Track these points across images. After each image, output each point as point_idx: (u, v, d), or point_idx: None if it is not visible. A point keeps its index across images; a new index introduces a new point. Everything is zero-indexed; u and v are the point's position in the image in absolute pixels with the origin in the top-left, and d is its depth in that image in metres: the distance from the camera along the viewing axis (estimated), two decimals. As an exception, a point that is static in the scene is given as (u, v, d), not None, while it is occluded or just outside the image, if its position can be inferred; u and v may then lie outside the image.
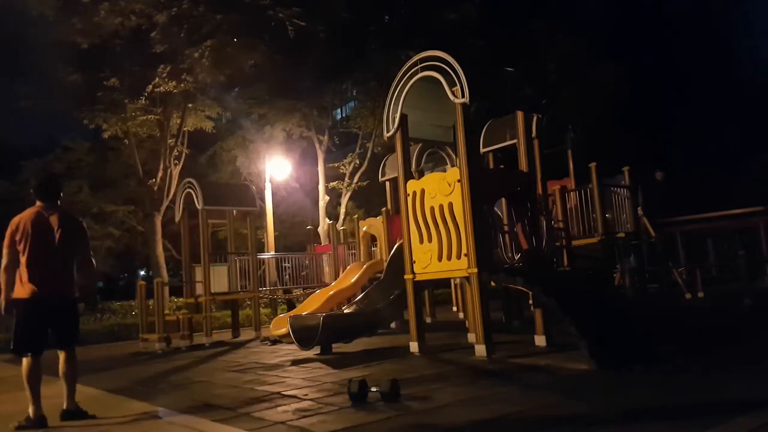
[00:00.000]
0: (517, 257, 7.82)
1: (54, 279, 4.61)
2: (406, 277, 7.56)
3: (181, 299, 13.77)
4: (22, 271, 4.53)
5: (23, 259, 4.52)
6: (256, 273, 12.51)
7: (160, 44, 16.20)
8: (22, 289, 4.52)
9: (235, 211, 13.03)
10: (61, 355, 4.80)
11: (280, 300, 13.37)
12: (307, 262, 14.65)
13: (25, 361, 4.65)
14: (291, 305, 13.17)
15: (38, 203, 4.73)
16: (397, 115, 7.71)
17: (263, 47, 16.90)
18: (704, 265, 15.04)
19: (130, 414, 4.90)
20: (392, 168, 11.43)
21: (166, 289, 12.56)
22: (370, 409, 4.38)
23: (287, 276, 13.70)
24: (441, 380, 5.39)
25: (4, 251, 4.57)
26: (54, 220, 4.66)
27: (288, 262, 14.02)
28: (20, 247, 4.53)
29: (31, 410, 4.61)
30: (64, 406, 4.76)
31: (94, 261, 5.15)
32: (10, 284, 4.54)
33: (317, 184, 20.39)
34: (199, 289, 11.77)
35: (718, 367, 5.31)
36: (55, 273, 4.62)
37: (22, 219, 4.61)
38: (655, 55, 26.47)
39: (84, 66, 17.47)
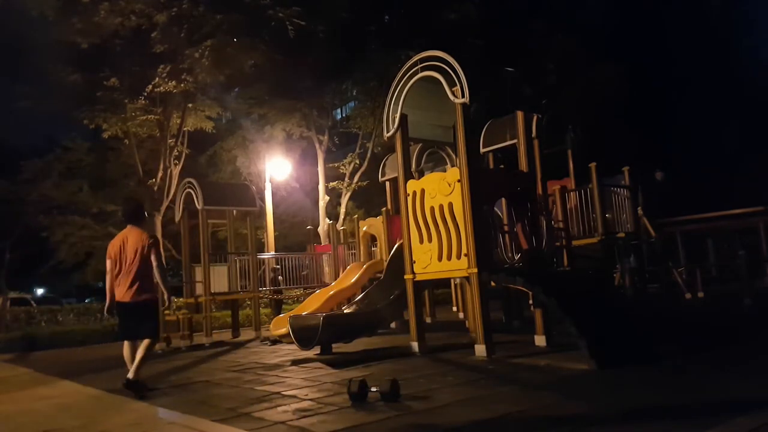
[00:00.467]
0: (517, 257, 7.82)
1: (129, 287, 5.76)
2: (406, 277, 7.56)
3: (181, 299, 13.76)
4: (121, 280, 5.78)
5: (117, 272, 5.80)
6: (256, 273, 12.51)
7: (160, 44, 16.19)
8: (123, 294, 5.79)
9: (235, 211, 13.04)
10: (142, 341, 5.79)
11: (267, 298, 13.26)
12: (307, 261, 14.62)
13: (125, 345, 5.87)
14: (279, 306, 13.14)
15: (128, 226, 5.97)
16: (397, 115, 7.71)
17: (263, 47, 16.88)
18: (704, 265, 15.05)
19: (130, 414, 4.90)
20: (392, 168, 11.43)
21: (166, 289, 12.54)
22: (370, 409, 4.39)
23: (279, 276, 13.61)
24: (441, 380, 5.39)
25: (107, 264, 5.84)
26: (132, 237, 5.84)
27: (278, 264, 13.96)
28: (116, 263, 5.80)
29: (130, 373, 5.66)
30: (129, 376, 5.61)
31: (158, 270, 5.99)
32: (112, 291, 5.80)
33: (317, 184, 20.39)
34: (199, 289, 11.77)
35: (718, 367, 5.31)
36: (131, 282, 5.77)
37: (116, 239, 5.91)
38: (655, 55, 26.46)
39: (84, 66, 17.45)
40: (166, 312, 11.02)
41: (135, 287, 5.74)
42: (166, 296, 6.17)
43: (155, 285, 5.93)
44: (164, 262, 6.20)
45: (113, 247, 5.86)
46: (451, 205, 6.92)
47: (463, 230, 6.77)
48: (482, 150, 9.42)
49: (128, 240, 5.82)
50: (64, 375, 7.68)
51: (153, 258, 5.81)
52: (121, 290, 5.77)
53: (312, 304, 10.27)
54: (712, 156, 24.02)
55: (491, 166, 9.37)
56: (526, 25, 21.48)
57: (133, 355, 5.71)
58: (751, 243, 15.09)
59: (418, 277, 7.43)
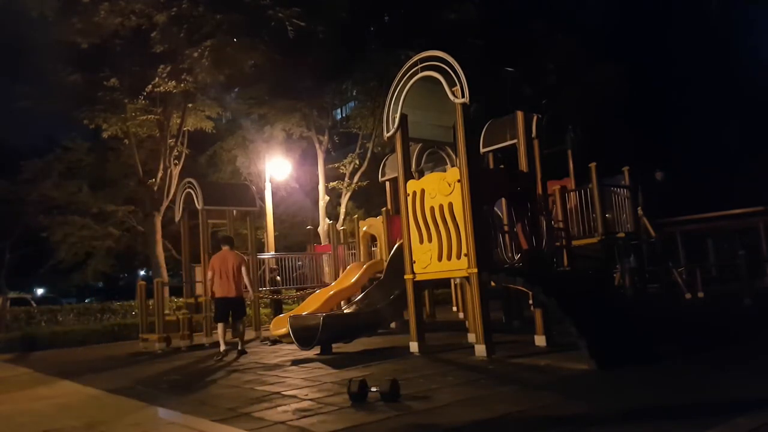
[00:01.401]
0: (517, 257, 7.82)
1: (234, 288, 8.86)
2: (406, 277, 7.56)
3: (181, 299, 13.75)
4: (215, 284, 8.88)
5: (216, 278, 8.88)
6: (256, 273, 12.49)
7: (160, 44, 16.19)
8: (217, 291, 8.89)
9: (235, 211, 13.02)
10: (235, 323, 9.08)
11: (267, 298, 13.25)
12: (300, 263, 14.58)
13: (219, 325, 9.00)
14: (278, 306, 13.14)
15: (224, 247, 9.12)
16: (397, 115, 7.71)
17: (263, 47, 16.88)
18: (704, 265, 15.05)
19: (130, 414, 4.90)
20: (392, 168, 11.43)
21: (166, 289, 12.54)
22: (370, 409, 4.38)
23: (277, 277, 13.59)
24: (441, 380, 5.39)
25: (209, 273, 9.02)
26: (230, 256, 8.99)
27: (273, 265, 13.96)
28: (213, 272, 8.91)
29: (222, 347, 8.69)
30: (239, 347, 8.82)
31: (247, 278, 9.11)
32: (213, 290, 8.94)
33: (317, 184, 20.38)
34: (199, 289, 11.75)
35: (718, 367, 5.31)
36: (230, 285, 8.83)
37: (217, 257, 9.09)
38: (655, 55, 26.44)
39: (84, 66, 17.45)
40: (166, 313, 11.11)
41: (237, 288, 8.82)
42: (251, 293, 9.65)
43: (244, 286, 9.01)
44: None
45: (216, 261, 8.92)
46: (451, 205, 6.92)
47: (463, 230, 6.76)
48: (482, 150, 9.41)
49: (228, 258, 8.87)
50: (64, 375, 7.68)
51: (244, 270, 8.95)
52: (225, 290, 8.75)
53: (312, 304, 10.27)
54: (712, 156, 24.00)
55: (491, 166, 9.37)
56: (526, 25, 21.47)
57: (225, 333, 8.84)
58: (751, 243, 15.10)
59: (418, 277, 7.43)
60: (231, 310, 8.92)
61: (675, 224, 15.40)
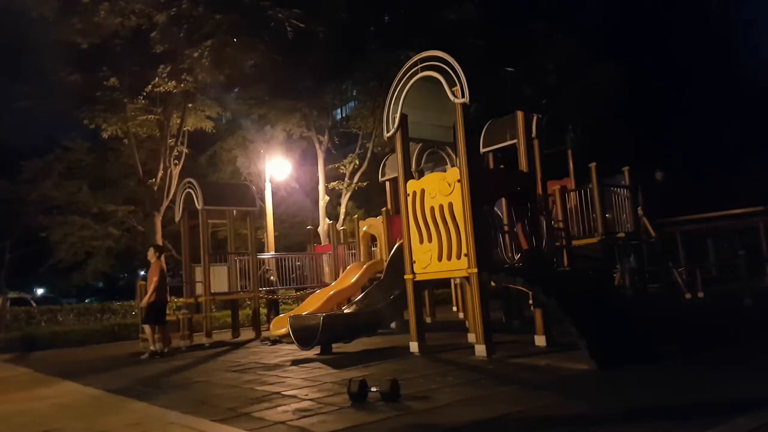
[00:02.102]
0: (517, 257, 7.81)
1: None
2: (406, 277, 7.56)
3: (181, 299, 13.74)
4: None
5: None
6: (256, 273, 12.51)
7: (160, 44, 16.19)
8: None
9: (235, 211, 13.02)
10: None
11: (263, 299, 13.25)
12: (299, 263, 14.56)
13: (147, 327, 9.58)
14: (275, 307, 13.12)
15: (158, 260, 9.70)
16: (397, 115, 7.71)
17: (263, 47, 16.88)
18: (704, 265, 15.05)
19: (130, 414, 4.90)
20: (392, 168, 11.43)
21: (166, 289, 12.54)
22: (370, 409, 4.38)
23: (272, 277, 13.57)
24: (441, 380, 5.39)
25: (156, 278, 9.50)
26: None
27: (268, 266, 13.94)
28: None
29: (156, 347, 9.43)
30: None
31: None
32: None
33: (317, 184, 20.38)
34: (199, 289, 11.77)
35: (718, 367, 5.31)
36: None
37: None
38: (655, 55, 26.42)
39: (84, 66, 17.46)
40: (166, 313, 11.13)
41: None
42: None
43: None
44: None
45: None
46: (451, 205, 6.92)
47: (463, 230, 6.76)
48: (482, 150, 9.41)
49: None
50: (64, 375, 7.68)
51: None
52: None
53: (312, 304, 10.27)
54: (712, 156, 23.99)
55: (491, 166, 9.36)
56: (526, 25, 21.48)
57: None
58: (751, 243, 15.09)
59: (418, 277, 7.43)
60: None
61: (675, 224, 15.39)
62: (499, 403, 4.33)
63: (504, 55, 16.44)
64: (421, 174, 10.01)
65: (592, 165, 9.80)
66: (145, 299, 9.67)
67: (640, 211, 12.00)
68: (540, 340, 7.20)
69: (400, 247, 8.35)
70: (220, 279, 12.21)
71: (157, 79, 16.69)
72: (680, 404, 4.06)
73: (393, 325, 10.55)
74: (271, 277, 13.42)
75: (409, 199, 7.46)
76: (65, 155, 23.75)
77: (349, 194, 20.66)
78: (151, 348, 9.49)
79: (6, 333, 13.39)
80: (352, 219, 15.28)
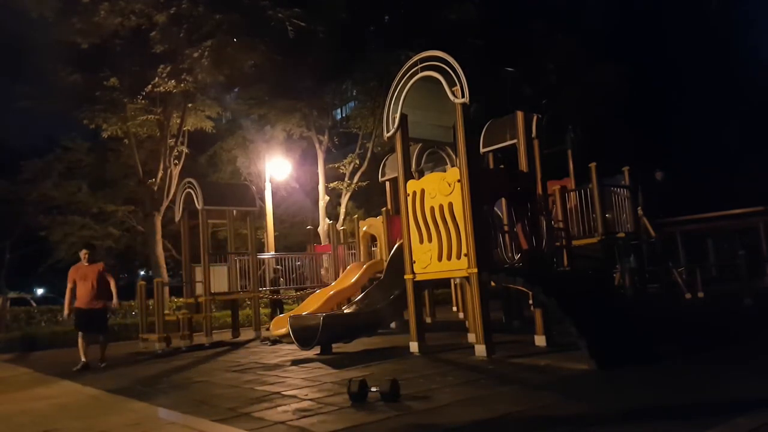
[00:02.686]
0: (517, 257, 7.81)
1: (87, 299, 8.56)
2: (406, 277, 7.56)
3: (181, 299, 13.74)
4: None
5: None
6: (256, 273, 12.51)
7: (160, 44, 16.19)
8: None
9: (235, 211, 13.02)
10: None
11: (267, 298, 13.27)
12: (299, 262, 14.58)
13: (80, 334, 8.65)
14: (280, 306, 13.13)
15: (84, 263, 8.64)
16: (397, 115, 7.71)
17: (263, 47, 16.89)
18: (704, 265, 15.05)
19: (130, 414, 4.90)
20: (392, 168, 11.43)
21: (166, 289, 12.55)
22: (370, 409, 4.38)
23: (281, 278, 13.60)
24: (441, 380, 5.39)
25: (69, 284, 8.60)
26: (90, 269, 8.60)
27: (278, 264, 13.97)
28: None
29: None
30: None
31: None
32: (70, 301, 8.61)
33: (317, 184, 20.39)
34: (199, 289, 11.77)
35: (718, 367, 5.31)
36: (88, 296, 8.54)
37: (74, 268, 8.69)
38: (655, 55, 26.43)
39: (84, 66, 17.46)
40: (166, 313, 11.12)
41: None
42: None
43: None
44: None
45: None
46: (451, 205, 6.92)
47: (463, 230, 6.76)
48: (482, 150, 9.41)
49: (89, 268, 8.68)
50: (64, 375, 7.69)
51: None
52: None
53: (312, 304, 10.27)
54: (712, 156, 24.00)
55: (491, 166, 9.36)
56: (526, 25, 21.48)
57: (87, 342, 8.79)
58: (751, 243, 15.10)
59: (418, 277, 7.43)
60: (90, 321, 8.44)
61: (675, 224, 15.40)
62: (499, 403, 4.33)
63: (504, 55, 16.44)
64: (421, 174, 10.01)
65: (592, 165, 9.80)
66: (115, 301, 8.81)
67: (640, 211, 12.00)
68: (540, 340, 7.20)
69: (400, 247, 8.35)
70: (220, 279, 12.21)
71: (157, 79, 16.69)
72: (680, 404, 4.06)
73: (393, 325, 10.55)
74: (280, 279, 13.46)
75: (409, 199, 7.46)
76: (65, 155, 23.76)
77: (349, 194, 20.66)
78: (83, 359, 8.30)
79: (6, 333, 13.39)
80: (352, 219, 15.29)
